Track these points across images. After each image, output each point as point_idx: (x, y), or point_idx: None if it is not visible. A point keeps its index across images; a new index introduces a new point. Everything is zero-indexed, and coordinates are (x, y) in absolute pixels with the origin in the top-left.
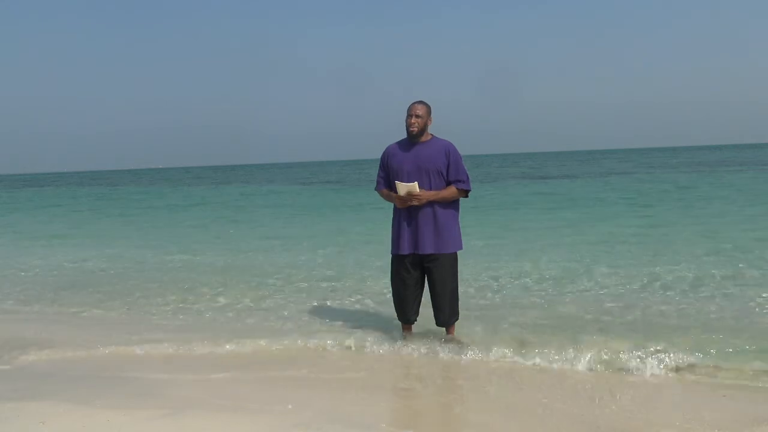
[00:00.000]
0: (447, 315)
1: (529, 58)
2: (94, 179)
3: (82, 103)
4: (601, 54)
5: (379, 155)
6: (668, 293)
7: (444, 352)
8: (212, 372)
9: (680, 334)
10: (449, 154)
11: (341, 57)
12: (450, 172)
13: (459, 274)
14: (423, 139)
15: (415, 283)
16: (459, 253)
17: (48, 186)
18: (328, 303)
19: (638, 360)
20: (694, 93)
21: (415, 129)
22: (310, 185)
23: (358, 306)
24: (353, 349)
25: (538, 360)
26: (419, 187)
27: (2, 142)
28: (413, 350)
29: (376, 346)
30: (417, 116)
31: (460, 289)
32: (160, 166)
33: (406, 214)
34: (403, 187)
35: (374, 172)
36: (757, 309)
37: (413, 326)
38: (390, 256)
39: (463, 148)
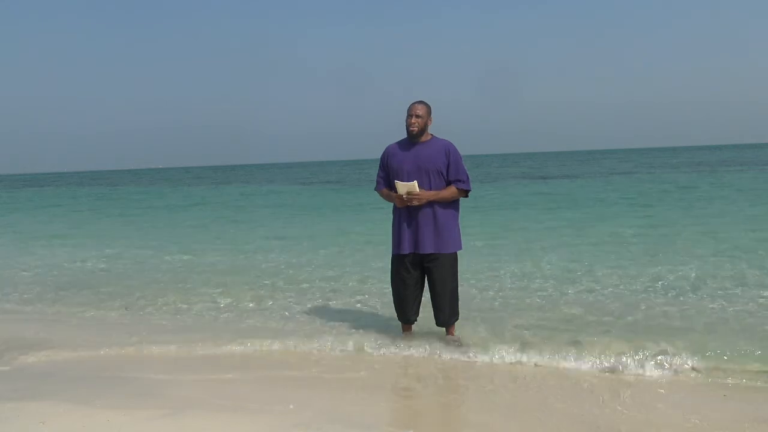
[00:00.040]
0: (447, 315)
1: (529, 58)
2: (94, 179)
3: (82, 103)
4: (601, 54)
5: (379, 155)
6: (669, 293)
7: (444, 352)
8: (212, 372)
9: (680, 335)
10: (449, 153)
11: (341, 57)
12: (450, 172)
13: (459, 274)
14: (423, 139)
15: (415, 283)
16: (459, 253)
17: (48, 186)
18: (328, 303)
19: (638, 360)
20: (694, 93)
21: (415, 129)
22: (310, 185)
23: (358, 306)
24: (353, 349)
25: (538, 360)
26: (419, 187)
27: (2, 142)
28: (413, 350)
29: (376, 347)
30: (417, 116)
31: (461, 290)
32: (160, 166)
33: (406, 214)
34: (402, 187)
35: (374, 172)
36: (757, 309)
37: (413, 326)
38: (390, 256)
39: (463, 148)
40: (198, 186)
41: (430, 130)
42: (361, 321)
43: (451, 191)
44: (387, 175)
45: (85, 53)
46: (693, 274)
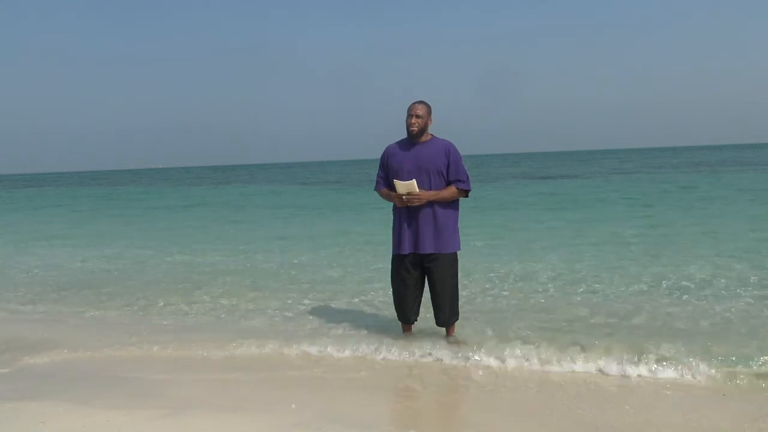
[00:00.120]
0: (447, 315)
1: (529, 58)
2: (94, 179)
3: (82, 103)
4: (601, 54)
5: (379, 155)
6: (669, 294)
7: (444, 353)
8: (212, 372)
9: (681, 335)
10: (449, 153)
11: (341, 57)
12: (450, 172)
13: (459, 274)
14: (423, 139)
15: (415, 283)
16: (459, 253)
17: (48, 186)
18: (329, 303)
19: (638, 361)
20: (694, 93)
21: (416, 129)
22: (310, 185)
23: (358, 306)
24: (353, 349)
25: (538, 360)
26: (419, 187)
27: (2, 142)
28: (413, 350)
29: (376, 347)
30: (417, 116)
31: (461, 290)
32: (160, 166)
33: (407, 214)
34: (402, 186)
35: (374, 172)
36: (758, 310)
37: (413, 326)
38: (390, 256)
39: (463, 148)
40: (198, 186)
41: (431, 130)
42: (361, 321)
43: (451, 191)
44: (387, 175)
45: (85, 53)
46: (694, 275)
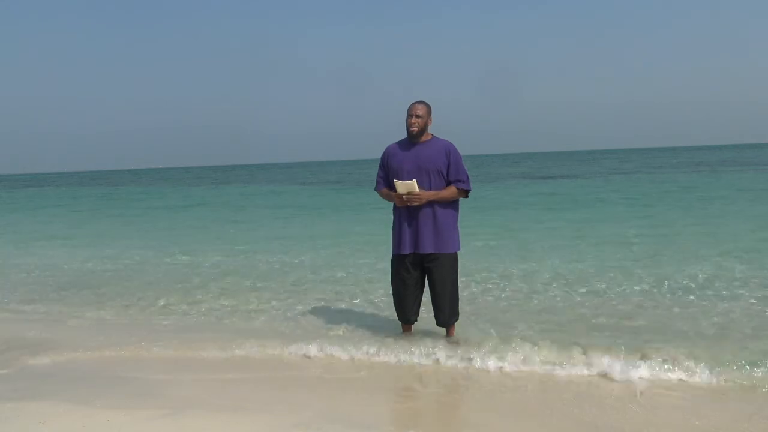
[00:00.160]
0: (447, 315)
1: (529, 58)
2: (94, 179)
3: (82, 103)
4: (601, 54)
5: (379, 155)
6: (670, 294)
7: (444, 353)
8: (212, 372)
9: (681, 335)
10: (449, 154)
11: (341, 57)
12: (450, 172)
13: (459, 274)
14: (423, 139)
15: (415, 283)
16: (459, 253)
17: (48, 186)
18: (328, 303)
19: (638, 361)
20: (694, 93)
21: (416, 129)
22: (310, 185)
23: (358, 306)
24: (353, 349)
25: (538, 360)
26: (419, 187)
27: (2, 142)
28: (413, 351)
29: (376, 347)
30: (417, 116)
31: (461, 290)
32: (160, 166)
33: (407, 214)
34: (402, 186)
35: (374, 172)
36: (758, 310)
37: (413, 326)
38: (390, 256)
39: (463, 148)
40: (198, 186)
41: (431, 130)
42: (361, 321)
43: (451, 191)
44: (387, 175)
45: (85, 53)
46: (695, 275)
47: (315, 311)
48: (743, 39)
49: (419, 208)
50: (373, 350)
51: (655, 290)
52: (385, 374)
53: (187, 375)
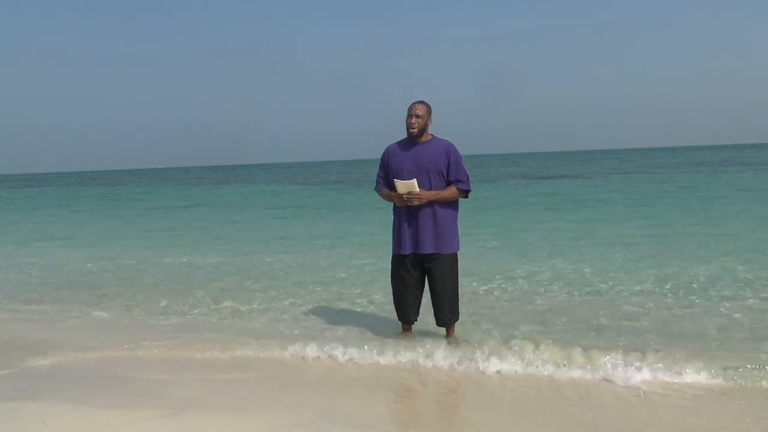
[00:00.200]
0: (447, 315)
1: (529, 58)
2: (94, 179)
3: (82, 103)
4: (601, 54)
5: (379, 155)
6: (671, 294)
7: (444, 353)
8: (212, 372)
9: (682, 335)
10: (449, 154)
11: (341, 57)
12: (450, 172)
13: (460, 274)
14: (423, 139)
15: (415, 283)
16: (460, 253)
17: (48, 186)
18: (328, 304)
19: (639, 360)
20: (694, 93)
21: (416, 129)
22: (310, 185)
23: (358, 306)
24: (353, 349)
25: (538, 360)
26: (419, 187)
27: (2, 142)
28: (413, 350)
29: (376, 347)
30: (417, 116)
31: (461, 290)
32: (160, 166)
33: (407, 214)
34: (402, 185)
35: (374, 172)
36: (760, 310)
37: (413, 326)
38: (391, 256)
39: (463, 148)
40: (198, 186)
41: (431, 130)
42: (361, 321)
43: (451, 191)
44: (387, 175)
45: (85, 53)
46: (695, 276)
47: (315, 311)
48: (743, 39)
49: (419, 208)
50: (373, 350)
51: (656, 290)
52: (385, 374)
53: (187, 375)
